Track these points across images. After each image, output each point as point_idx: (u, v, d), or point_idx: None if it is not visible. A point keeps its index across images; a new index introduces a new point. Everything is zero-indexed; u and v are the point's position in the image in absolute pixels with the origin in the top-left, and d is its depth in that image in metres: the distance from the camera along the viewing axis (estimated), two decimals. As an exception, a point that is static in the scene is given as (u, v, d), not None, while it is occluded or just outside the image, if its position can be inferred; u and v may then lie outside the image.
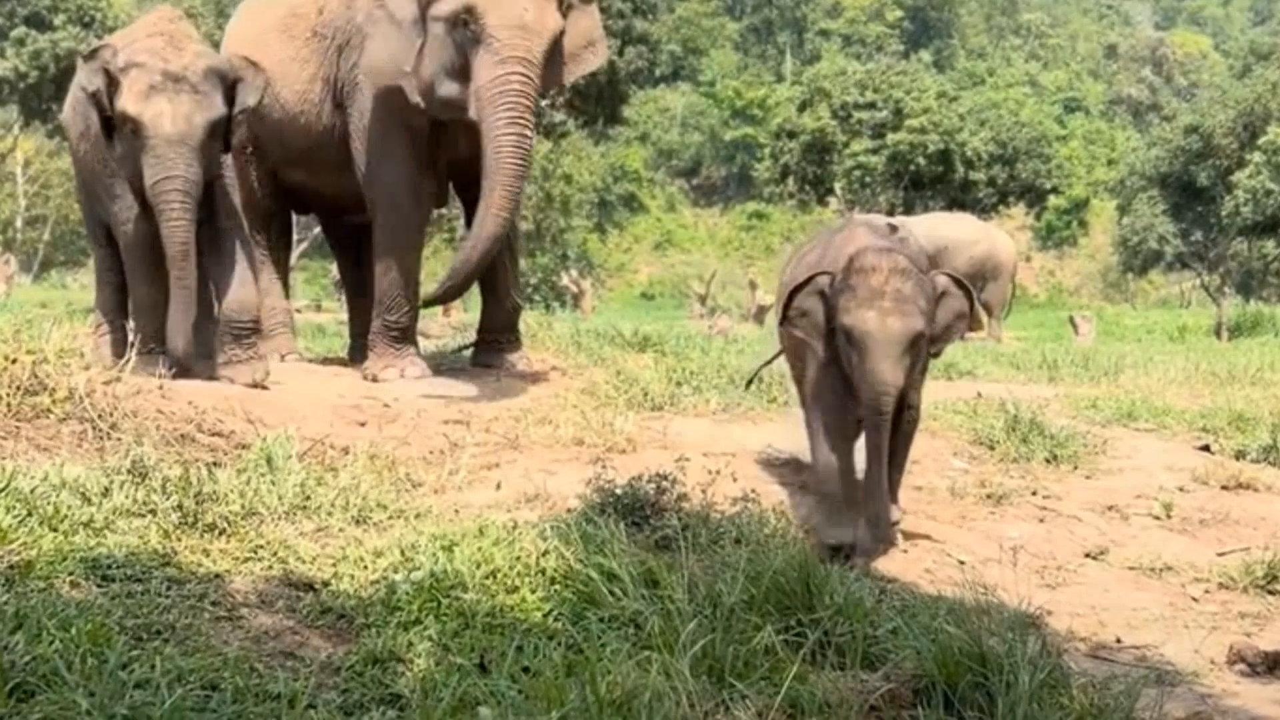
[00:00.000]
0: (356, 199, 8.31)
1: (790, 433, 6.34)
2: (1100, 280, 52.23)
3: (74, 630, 3.27)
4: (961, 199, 35.62)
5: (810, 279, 5.34)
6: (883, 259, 5.14)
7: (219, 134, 7.39)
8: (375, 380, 7.91)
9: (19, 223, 26.85)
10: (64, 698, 2.93)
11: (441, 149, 8.10)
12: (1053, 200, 44.51)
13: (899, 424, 5.30)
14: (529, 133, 7.30)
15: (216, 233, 7.52)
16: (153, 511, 4.49)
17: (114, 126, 7.27)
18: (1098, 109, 73.64)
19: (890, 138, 36.83)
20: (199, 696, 3.04)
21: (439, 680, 3.37)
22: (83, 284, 28.14)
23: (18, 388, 5.50)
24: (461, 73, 7.40)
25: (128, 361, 6.57)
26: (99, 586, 3.78)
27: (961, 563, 5.30)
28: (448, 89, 7.45)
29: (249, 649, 3.49)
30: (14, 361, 5.59)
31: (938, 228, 18.08)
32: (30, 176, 27.99)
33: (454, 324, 13.84)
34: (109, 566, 3.92)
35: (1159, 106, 63.45)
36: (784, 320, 5.45)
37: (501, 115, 7.21)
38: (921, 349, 5.18)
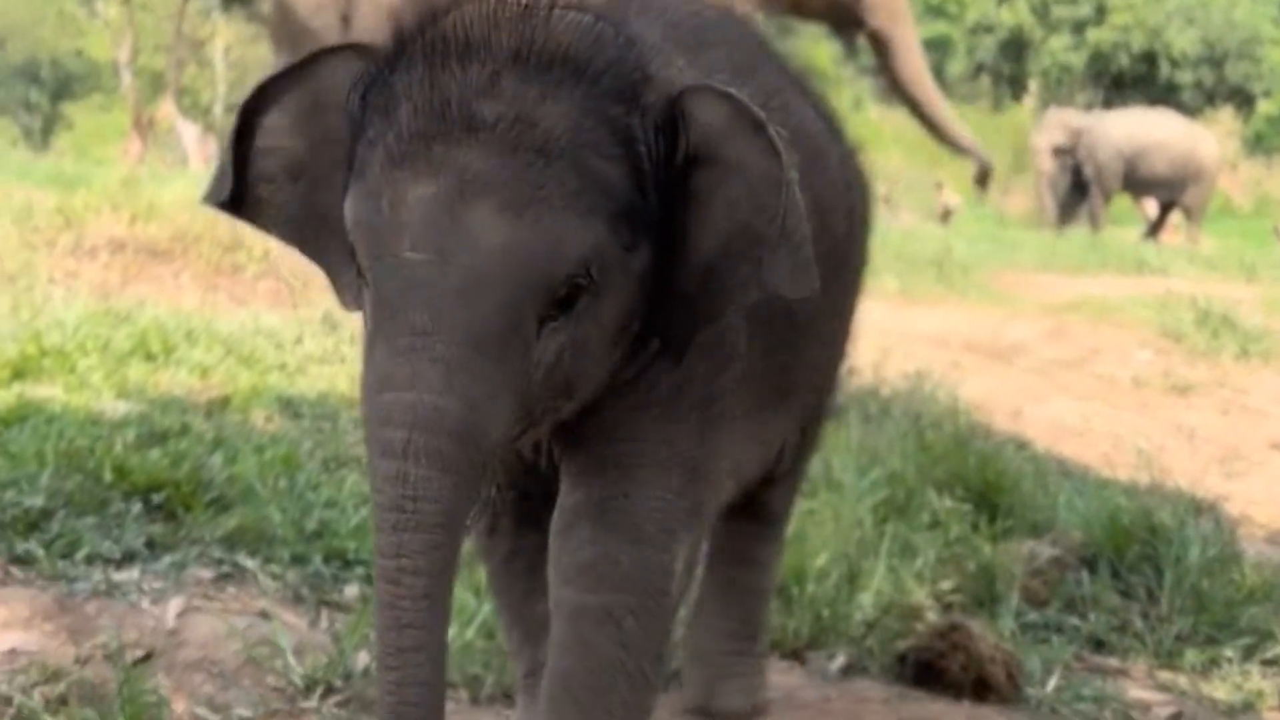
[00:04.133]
0: None
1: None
2: (1311, 192, 49.56)
3: (268, 455, 3.47)
4: (1165, 101, 34.08)
5: None
6: None
7: None
8: None
9: (218, 109, 27.83)
10: (258, 512, 3.12)
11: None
12: (1263, 106, 42.21)
13: None
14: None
15: None
16: (342, 360, 4.70)
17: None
18: (1319, 10, 69.31)
19: (1091, 34, 35.34)
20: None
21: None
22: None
23: (218, 245, 5.78)
24: None
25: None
26: (290, 421, 4.00)
27: (1140, 450, 5.19)
28: None
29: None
30: (214, 222, 5.86)
31: (1137, 125, 17.37)
32: (230, 62, 28.91)
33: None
34: (300, 405, 4.13)
35: (1388, 7, 59.50)
36: None
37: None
38: None
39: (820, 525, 3.41)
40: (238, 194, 1.70)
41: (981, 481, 3.82)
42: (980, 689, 2.78)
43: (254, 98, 1.69)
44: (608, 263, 1.55)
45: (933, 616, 3.06)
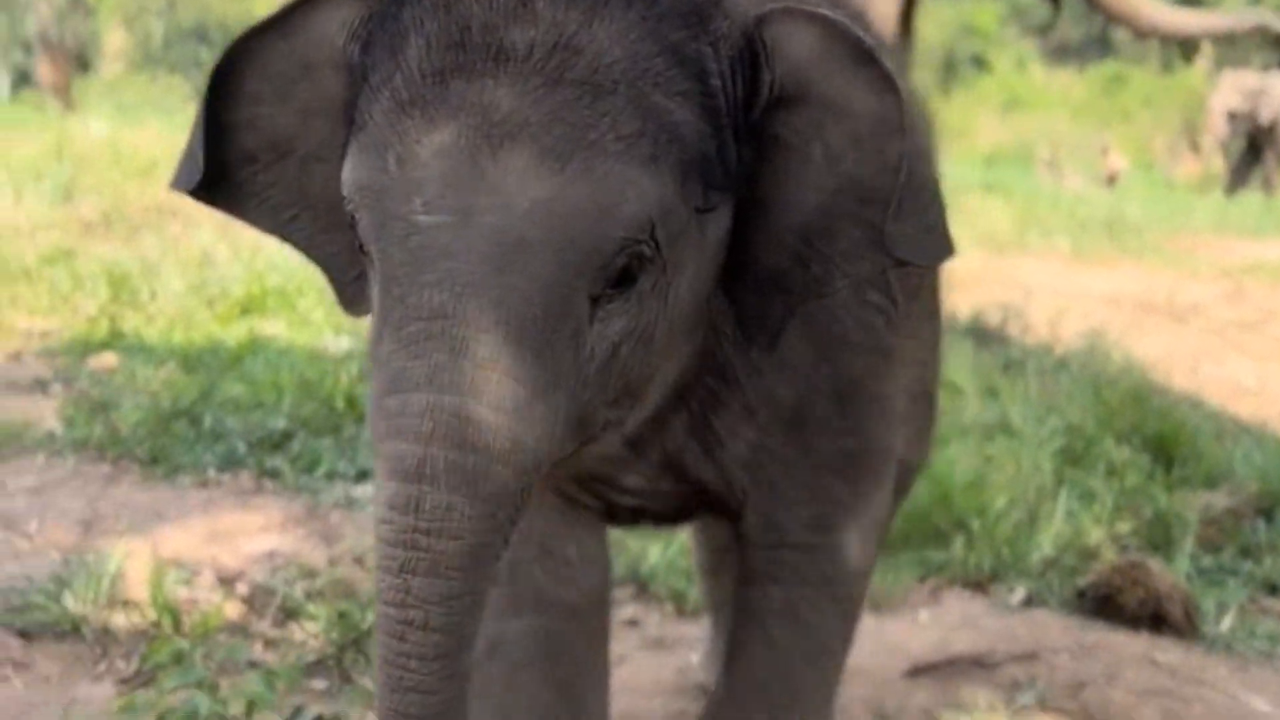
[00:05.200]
0: None
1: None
2: None
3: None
4: (1349, 62, 32.66)
5: None
6: None
7: None
8: None
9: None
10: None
11: None
12: None
13: None
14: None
15: None
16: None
17: None
18: None
19: (1271, -6, 34.02)
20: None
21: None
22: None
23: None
24: None
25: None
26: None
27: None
28: None
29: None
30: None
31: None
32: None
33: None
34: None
35: None
36: None
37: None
38: None
39: (999, 470, 3.55)
40: (212, 177, 1.36)
41: (1159, 433, 3.91)
42: (1157, 624, 2.91)
43: (227, 58, 1.35)
44: (677, 227, 1.23)
45: (1110, 556, 3.19)
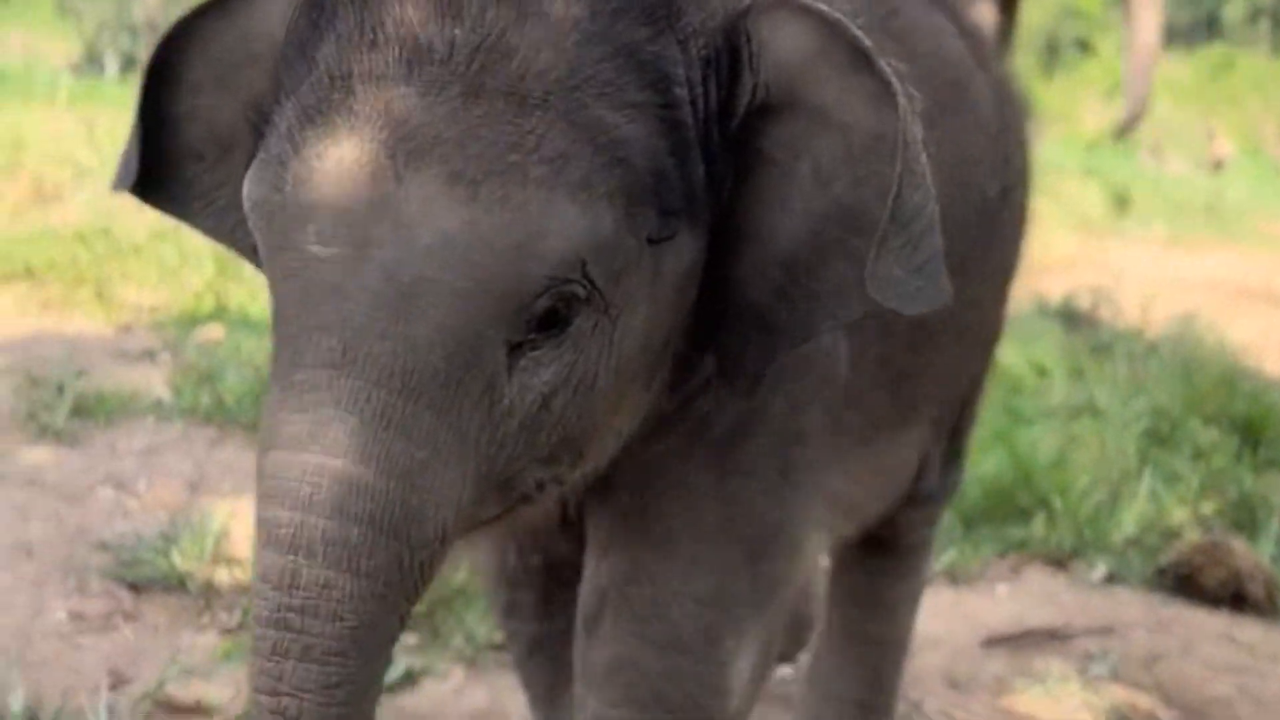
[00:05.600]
0: None
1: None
2: None
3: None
4: None
5: None
6: None
7: None
8: None
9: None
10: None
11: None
12: None
13: None
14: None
15: None
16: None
17: None
18: None
19: (1389, -26, 33.03)
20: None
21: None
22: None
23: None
24: None
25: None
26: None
27: None
28: None
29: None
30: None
31: None
32: None
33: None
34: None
35: None
36: None
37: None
38: None
39: (1083, 449, 3.56)
40: (155, 175, 1.24)
41: (1247, 416, 3.89)
42: (1238, 603, 2.92)
43: (166, 43, 1.23)
44: (620, 261, 1.06)
45: (1193, 536, 3.19)
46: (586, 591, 1.38)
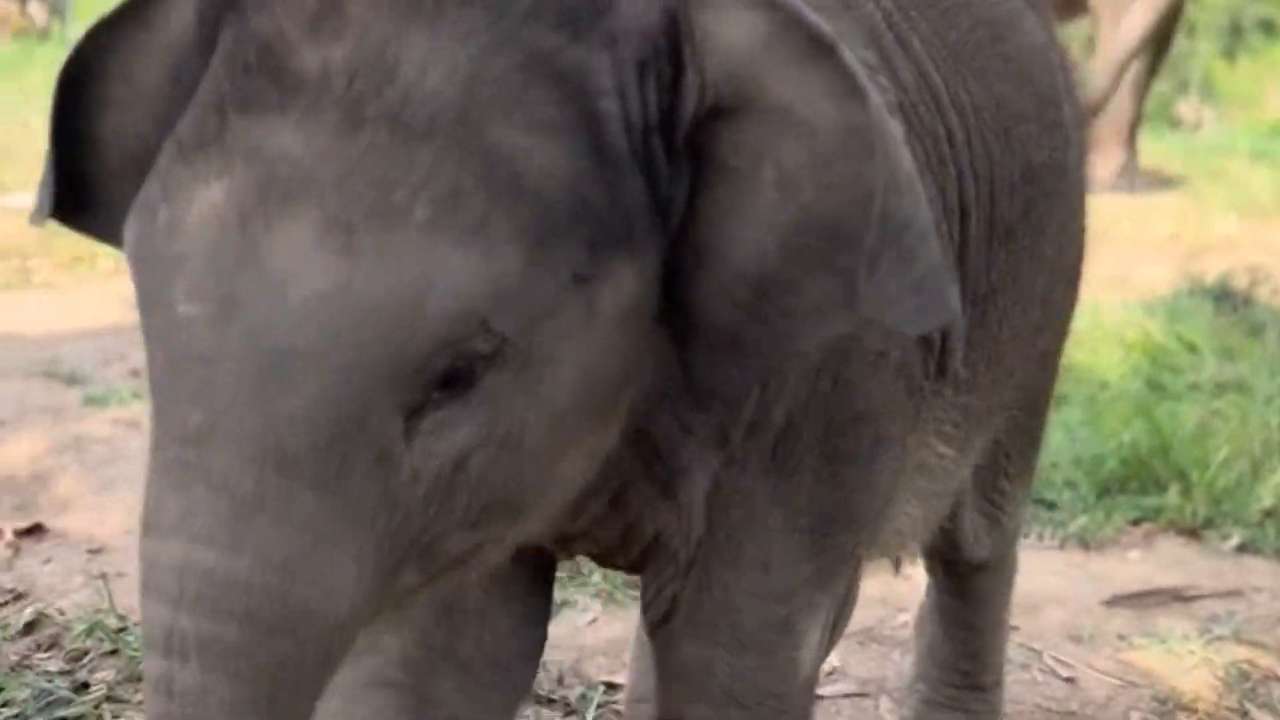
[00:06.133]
0: None
1: None
2: None
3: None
4: None
5: None
6: None
7: None
8: None
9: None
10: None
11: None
12: None
13: None
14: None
15: None
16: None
17: None
18: None
19: None
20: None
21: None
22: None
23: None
24: None
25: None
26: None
27: None
28: None
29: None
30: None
31: None
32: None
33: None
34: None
35: None
36: None
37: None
38: None
39: (1225, 423, 3.56)
40: (78, 199, 1.10)
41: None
42: (1377, 578, 2.91)
43: (79, 54, 1.09)
44: (536, 309, 0.91)
45: (1334, 511, 3.19)
46: (649, 597, 1.31)
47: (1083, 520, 3.10)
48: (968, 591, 1.96)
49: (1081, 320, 4.54)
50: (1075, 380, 4.06)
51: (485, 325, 0.89)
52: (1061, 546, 3.05)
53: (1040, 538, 3.08)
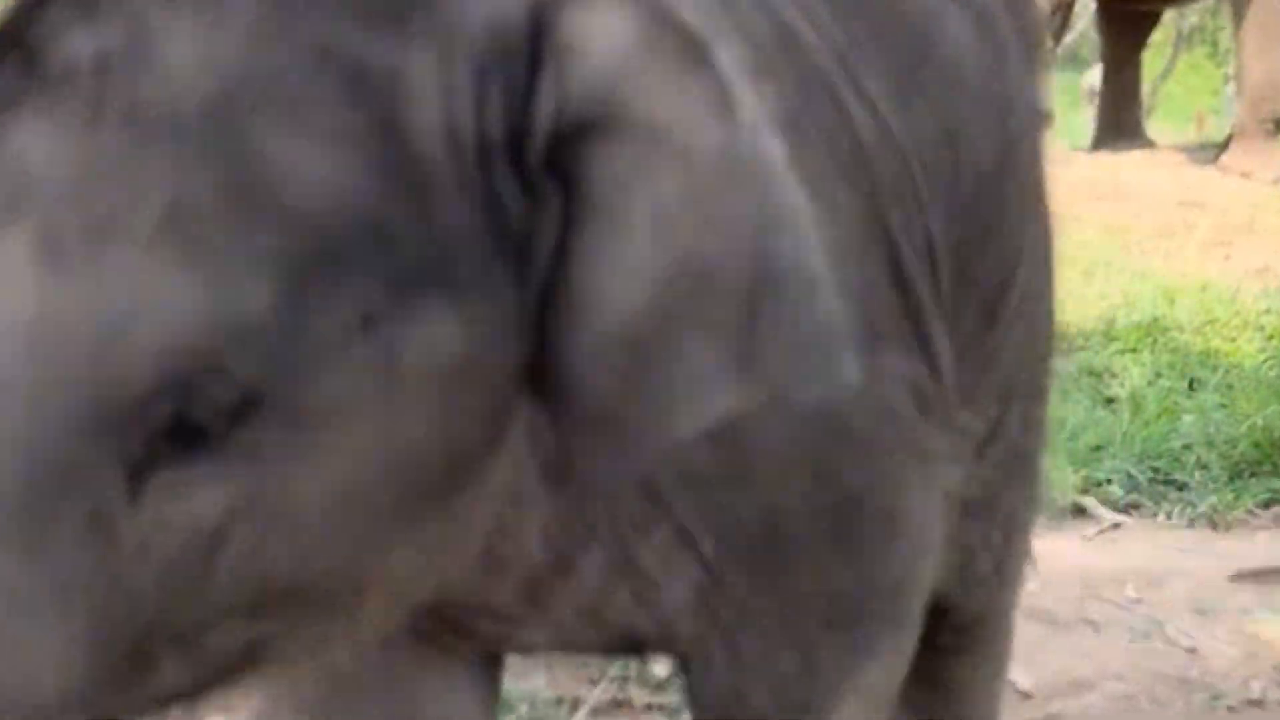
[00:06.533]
0: None
1: None
2: None
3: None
4: None
5: None
6: None
7: None
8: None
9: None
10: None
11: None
12: None
13: None
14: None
15: None
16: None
17: None
18: None
19: None
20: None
21: (1149, 393, 3.81)
22: None
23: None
24: None
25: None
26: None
27: None
28: None
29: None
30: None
31: None
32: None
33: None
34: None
35: None
36: None
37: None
38: None
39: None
40: None
41: None
42: None
43: None
44: (302, 353, 0.76)
45: None
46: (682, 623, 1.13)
47: (1212, 500, 3.14)
48: (940, 679, 1.58)
49: (1221, 308, 4.55)
50: (1212, 365, 4.08)
51: (219, 368, 0.74)
52: (1190, 525, 3.09)
53: (1169, 516, 3.15)
